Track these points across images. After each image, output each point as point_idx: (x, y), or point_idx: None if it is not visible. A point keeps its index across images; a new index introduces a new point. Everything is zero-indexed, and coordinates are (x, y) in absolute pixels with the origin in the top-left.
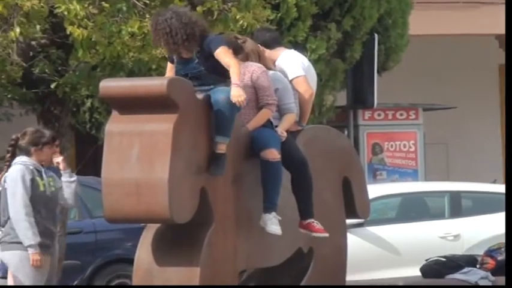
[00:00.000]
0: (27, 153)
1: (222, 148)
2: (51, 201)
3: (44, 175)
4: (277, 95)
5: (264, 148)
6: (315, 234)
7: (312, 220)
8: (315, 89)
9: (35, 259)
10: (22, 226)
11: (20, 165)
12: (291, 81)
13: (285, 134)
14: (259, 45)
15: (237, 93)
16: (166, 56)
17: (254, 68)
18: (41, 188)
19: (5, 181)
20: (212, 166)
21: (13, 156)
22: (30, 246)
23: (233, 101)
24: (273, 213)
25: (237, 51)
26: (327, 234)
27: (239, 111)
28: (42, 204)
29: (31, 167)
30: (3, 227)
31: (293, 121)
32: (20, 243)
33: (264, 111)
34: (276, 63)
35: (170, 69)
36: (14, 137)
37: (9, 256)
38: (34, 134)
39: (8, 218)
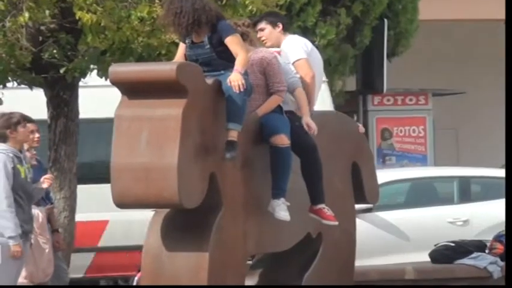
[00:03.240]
0: (4, 139)
1: (233, 135)
2: (30, 187)
3: (23, 161)
4: None
5: (274, 134)
6: (324, 221)
7: (323, 206)
8: (321, 73)
9: (15, 250)
10: (4, 217)
11: (1, 154)
12: (292, 64)
13: (313, 126)
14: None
15: (235, 78)
16: (176, 40)
17: (264, 53)
18: (23, 175)
19: None
20: (224, 151)
21: None
22: (11, 237)
23: (229, 84)
24: (282, 199)
25: (243, 36)
26: (336, 223)
27: (249, 96)
28: (24, 191)
29: (11, 155)
30: None
31: (304, 96)
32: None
33: (274, 98)
34: (281, 47)
35: (181, 48)
36: None
37: None
38: (2, 118)
39: None
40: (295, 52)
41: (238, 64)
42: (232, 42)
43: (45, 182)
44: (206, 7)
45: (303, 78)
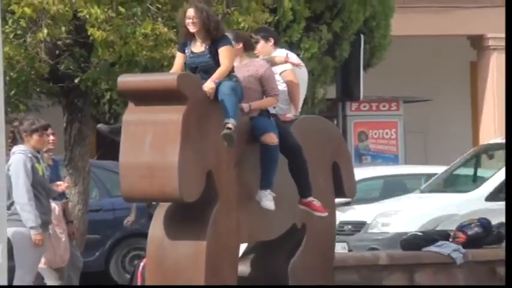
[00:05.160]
0: (22, 140)
1: (229, 126)
2: (47, 183)
3: (41, 160)
4: None
5: (264, 133)
6: (316, 212)
7: (312, 199)
8: (305, 82)
9: (37, 239)
10: (25, 210)
11: (20, 155)
12: (280, 74)
13: None
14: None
15: (208, 86)
16: (177, 52)
17: (261, 63)
18: (40, 173)
19: (8, 169)
20: (223, 131)
21: (14, 141)
22: (32, 227)
23: (204, 90)
24: (268, 191)
25: (248, 47)
26: (326, 213)
27: (241, 100)
28: (43, 187)
29: (29, 155)
30: (8, 209)
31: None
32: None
33: (270, 98)
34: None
35: (179, 58)
36: (14, 124)
37: (14, 232)
38: (27, 122)
39: (12, 202)
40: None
41: (216, 73)
42: (223, 52)
43: (59, 188)
44: (219, 22)
45: (289, 86)
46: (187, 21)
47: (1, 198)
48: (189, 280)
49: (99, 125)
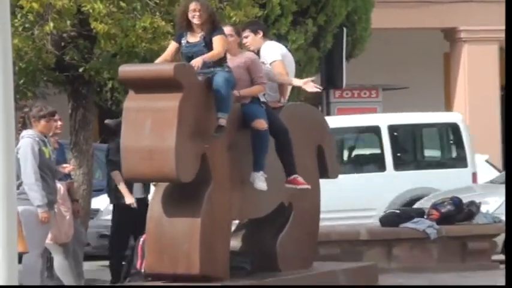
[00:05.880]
0: (31, 125)
1: (222, 122)
2: (53, 165)
3: (47, 144)
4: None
5: (255, 119)
6: (299, 187)
7: (296, 175)
8: (293, 71)
9: (43, 217)
10: (33, 190)
11: (28, 139)
12: (270, 64)
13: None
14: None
15: (195, 61)
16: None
17: (249, 55)
18: (47, 155)
19: (17, 152)
20: (214, 132)
21: (23, 126)
22: (39, 206)
23: (192, 64)
24: (261, 172)
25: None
26: (309, 186)
27: (233, 89)
28: (49, 168)
29: (37, 139)
30: (17, 189)
31: (280, 69)
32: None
33: (257, 86)
34: (261, 51)
35: (172, 47)
36: (25, 110)
37: (22, 210)
38: (36, 108)
39: (21, 182)
40: (272, 54)
41: (208, 54)
42: (217, 40)
43: (66, 170)
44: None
45: (279, 75)
46: (193, 13)
47: (12, 179)
48: (186, 254)
49: (107, 121)
